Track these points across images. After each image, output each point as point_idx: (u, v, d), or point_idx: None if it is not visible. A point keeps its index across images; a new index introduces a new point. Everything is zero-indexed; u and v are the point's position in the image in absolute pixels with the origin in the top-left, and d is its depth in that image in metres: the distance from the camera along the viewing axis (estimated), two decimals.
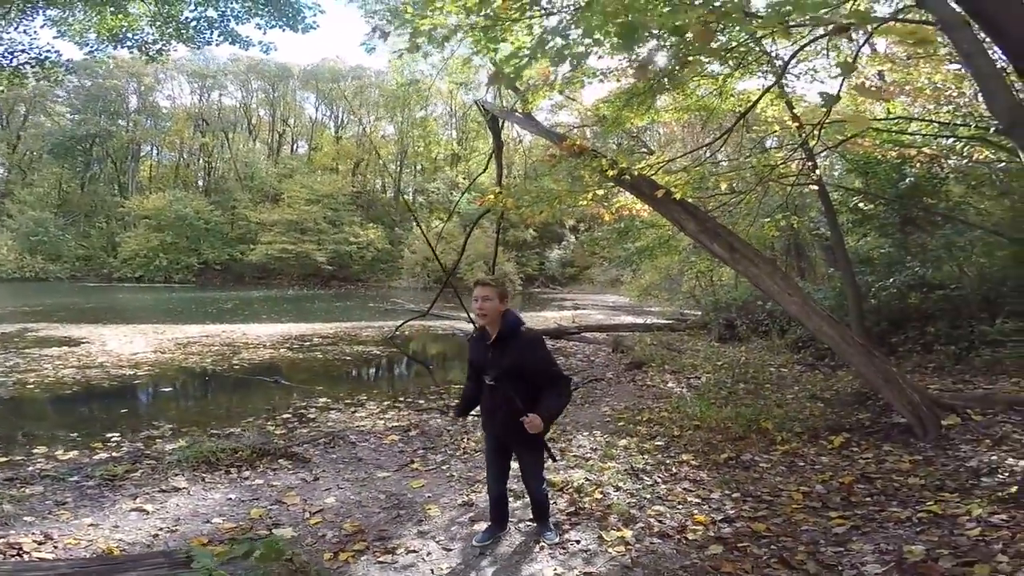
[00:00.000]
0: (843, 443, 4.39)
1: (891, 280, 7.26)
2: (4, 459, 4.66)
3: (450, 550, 2.98)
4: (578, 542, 2.99)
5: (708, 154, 6.02)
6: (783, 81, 6.29)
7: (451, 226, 30.36)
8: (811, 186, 6.92)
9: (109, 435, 5.39)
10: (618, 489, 3.71)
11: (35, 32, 7.82)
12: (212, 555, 2.11)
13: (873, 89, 4.34)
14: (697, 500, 3.54)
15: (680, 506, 3.46)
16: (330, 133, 50.81)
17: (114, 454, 4.81)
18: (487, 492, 3.21)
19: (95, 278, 36.50)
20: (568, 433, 5.24)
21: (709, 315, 12.09)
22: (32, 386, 7.61)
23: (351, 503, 3.70)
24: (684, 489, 3.72)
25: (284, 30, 7.82)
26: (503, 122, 8.60)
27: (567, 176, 7.27)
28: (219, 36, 7.62)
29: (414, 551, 2.97)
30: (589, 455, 4.53)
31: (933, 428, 4.19)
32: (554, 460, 3.02)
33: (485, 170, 10.43)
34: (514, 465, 3.14)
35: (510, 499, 3.45)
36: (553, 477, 3.86)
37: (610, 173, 5.28)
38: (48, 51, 7.73)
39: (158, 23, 7.39)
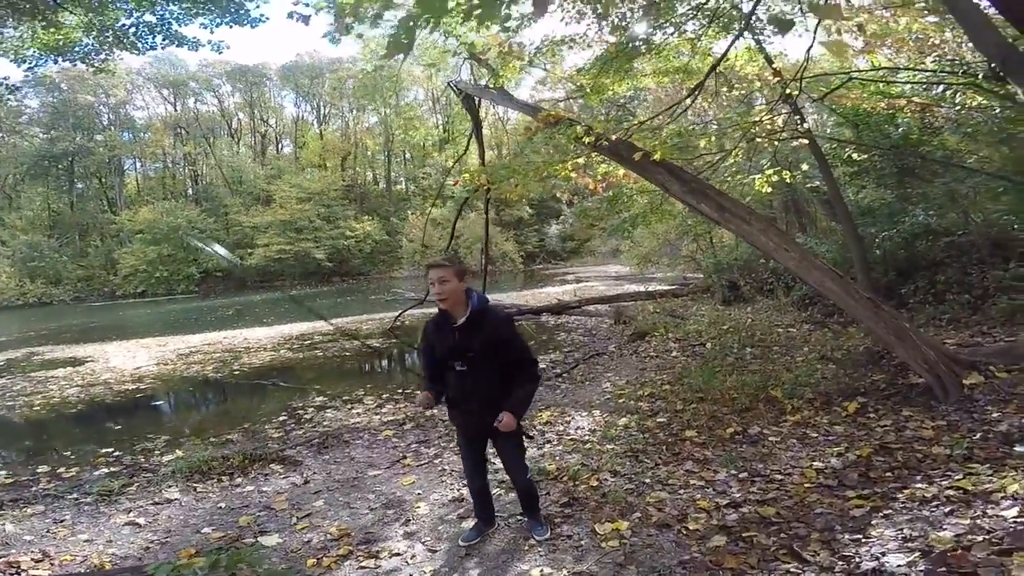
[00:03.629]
0: (858, 409, 4.06)
1: (894, 230, 7.00)
2: (10, 480, 4.74)
3: (435, 551, 2.84)
4: (570, 537, 2.81)
5: (682, 110, 5.74)
6: (760, 37, 6.03)
7: (446, 211, 30.02)
8: (801, 139, 6.66)
9: (110, 450, 5.48)
10: (616, 474, 3.53)
11: None
12: (170, 569, 2.09)
13: (842, 45, 4.06)
14: (700, 483, 3.30)
15: (682, 490, 3.23)
16: (313, 129, 50.12)
17: (113, 469, 4.91)
18: (467, 487, 3.03)
19: (98, 297, 36.53)
20: (566, 414, 5.08)
21: (711, 278, 11.83)
22: (38, 407, 7.73)
23: (339, 504, 3.61)
24: (686, 471, 3.48)
25: (231, 27, 7.47)
26: (479, 100, 8.31)
27: (548, 148, 7.00)
28: (163, 40, 7.28)
29: (398, 554, 2.84)
30: (587, 437, 4.37)
31: (954, 388, 3.83)
32: (530, 439, 2.81)
33: (467, 151, 10.14)
34: (497, 462, 2.97)
35: (499, 493, 3.29)
36: (547, 465, 3.71)
37: (587, 140, 5.03)
38: None
39: (94, 33, 7.06)
